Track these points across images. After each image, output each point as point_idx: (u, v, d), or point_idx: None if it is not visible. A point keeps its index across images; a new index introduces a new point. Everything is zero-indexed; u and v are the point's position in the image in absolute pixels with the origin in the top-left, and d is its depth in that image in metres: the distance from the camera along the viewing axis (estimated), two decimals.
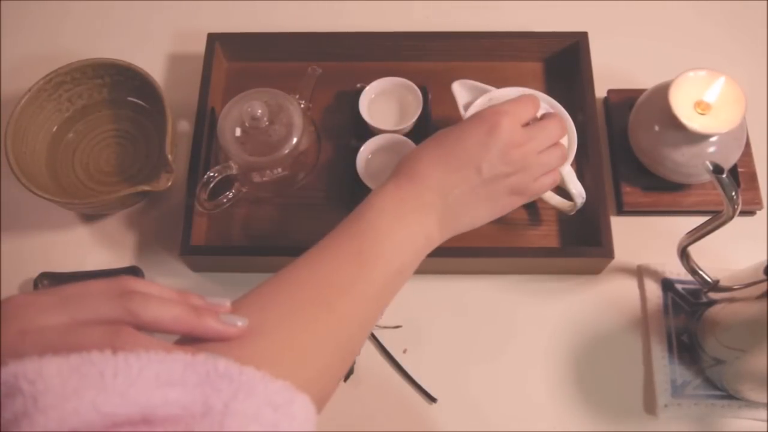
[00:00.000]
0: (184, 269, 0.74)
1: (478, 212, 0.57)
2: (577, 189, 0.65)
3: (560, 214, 0.73)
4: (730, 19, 0.86)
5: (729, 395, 0.65)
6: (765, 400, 0.63)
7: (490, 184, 0.55)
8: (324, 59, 0.79)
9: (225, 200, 0.71)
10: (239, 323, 0.40)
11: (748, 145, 0.74)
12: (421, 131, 0.75)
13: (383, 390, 0.68)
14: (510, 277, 0.72)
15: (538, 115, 0.60)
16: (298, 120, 0.70)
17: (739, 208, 0.55)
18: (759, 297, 0.56)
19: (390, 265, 0.50)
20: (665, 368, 0.66)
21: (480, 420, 0.66)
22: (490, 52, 0.80)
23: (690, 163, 0.69)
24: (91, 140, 0.80)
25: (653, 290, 0.70)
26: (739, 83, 0.67)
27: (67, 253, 0.76)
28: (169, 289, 0.40)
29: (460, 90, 0.69)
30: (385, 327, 0.70)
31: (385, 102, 0.77)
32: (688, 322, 0.68)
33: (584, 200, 0.66)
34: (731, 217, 0.56)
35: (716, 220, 0.58)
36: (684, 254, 0.64)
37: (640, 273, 0.72)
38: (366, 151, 0.73)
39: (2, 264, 0.75)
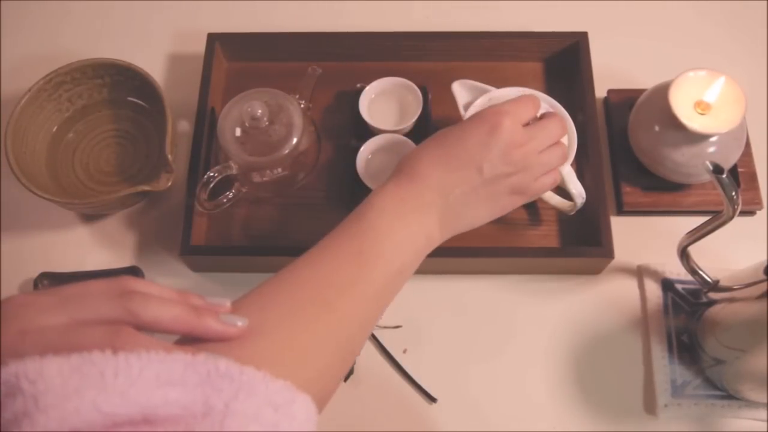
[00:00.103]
0: (184, 269, 0.74)
1: (478, 212, 0.57)
2: (577, 189, 0.65)
3: (560, 214, 0.73)
4: (730, 19, 0.86)
5: (729, 395, 0.65)
6: (765, 400, 0.63)
7: (491, 184, 0.55)
8: (324, 59, 0.79)
9: (225, 200, 0.71)
10: (239, 323, 0.40)
11: (748, 145, 0.74)
12: (421, 131, 0.75)
13: (383, 390, 0.68)
14: (510, 277, 0.72)
15: (538, 114, 0.61)
16: (298, 120, 0.70)
17: (739, 208, 0.55)
18: (759, 297, 0.56)
19: (390, 264, 0.50)
20: (665, 368, 0.66)
21: (480, 420, 0.66)
22: (490, 52, 0.80)
23: (690, 163, 0.69)
24: (91, 140, 0.80)
25: (653, 290, 0.70)
26: (739, 83, 0.67)
27: (67, 253, 0.76)
28: (169, 289, 0.40)
29: (460, 90, 0.69)
30: (385, 327, 0.70)
31: (385, 102, 0.77)
32: (688, 322, 0.68)
33: (584, 200, 0.66)
34: (731, 217, 0.56)
35: (716, 220, 0.58)
36: (684, 254, 0.64)
37: (640, 273, 0.72)
38: (366, 151, 0.73)
39: (2, 264, 0.75)
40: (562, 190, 0.67)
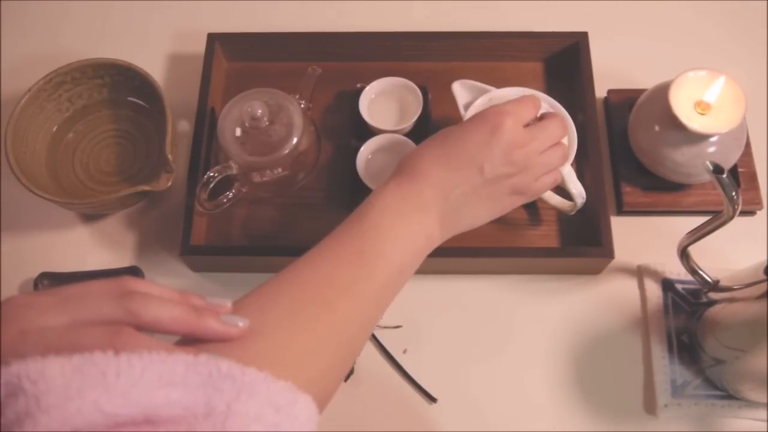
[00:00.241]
0: (184, 269, 0.74)
1: (478, 212, 0.57)
2: (577, 189, 0.65)
3: (560, 214, 0.73)
4: (730, 19, 0.86)
5: (729, 395, 0.65)
6: (765, 400, 0.63)
7: (492, 184, 0.55)
8: (324, 59, 0.79)
9: (225, 200, 0.71)
10: (240, 324, 0.40)
11: (748, 145, 0.74)
12: (421, 131, 0.75)
13: (383, 390, 0.68)
14: (510, 277, 0.72)
15: (538, 114, 0.61)
16: (298, 120, 0.70)
17: (739, 208, 0.55)
18: (759, 297, 0.56)
19: (391, 264, 0.50)
20: (665, 368, 0.66)
21: (480, 420, 0.66)
22: (490, 52, 0.80)
23: (690, 163, 0.69)
24: (91, 140, 0.79)
25: (653, 290, 0.70)
26: (739, 83, 0.67)
27: (67, 253, 0.75)
28: (170, 290, 0.40)
29: (460, 90, 0.69)
30: (385, 327, 0.70)
31: (385, 102, 0.77)
32: (688, 322, 0.68)
33: (584, 200, 0.66)
34: (731, 217, 0.56)
35: (716, 220, 0.58)
36: (684, 254, 0.64)
37: (640, 273, 0.72)
38: (366, 151, 0.73)
39: (2, 264, 0.75)
40: (562, 190, 0.67)
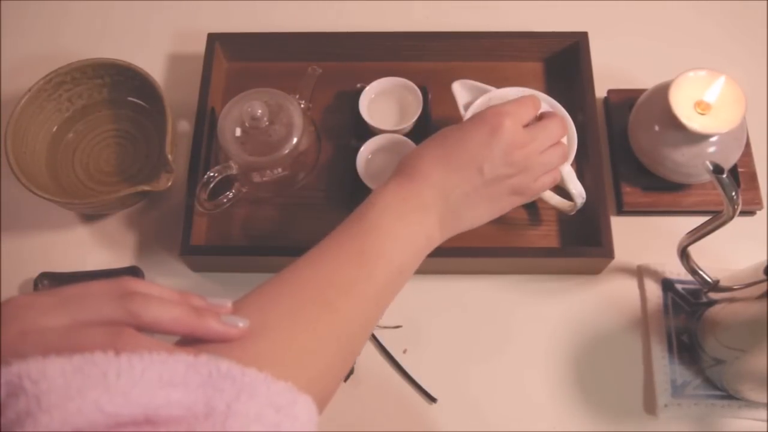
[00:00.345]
0: (184, 269, 0.74)
1: (478, 212, 0.57)
2: (577, 189, 0.65)
3: (560, 214, 0.73)
4: (730, 19, 0.86)
5: (729, 395, 0.65)
6: (765, 400, 0.63)
7: (492, 184, 0.55)
8: (324, 59, 0.79)
9: (225, 200, 0.71)
10: (240, 324, 0.40)
11: (748, 145, 0.74)
12: (421, 131, 0.75)
13: (383, 390, 0.68)
14: (510, 277, 0.72)
15: (537, 114, 0.61)
16: (298, 120, 0.70)
17: (739, 208, 0.55)
18: (759, 297, 0.56)
19: (391, 264, 0.50)
20: (665, 368, 0.66)
21: (480, 420, 0.66)
22: (490, 52, 0.80)
23: (690, 163, 0.69)
24: (91, 140, 0.79)
25: (653, 290, 0.70)
26: (739, 83, 0.67)
27: (67, 253, 0.75)
28: (170, 290, 0.40)
29: (460, 90, 0.69)
30: (385, 327, 0.70)
31: (385, 102, 0.77)
32: (688, 322, 0.68)
33: (584, 200, 0.66)
34: (731, 217, 0.56)
35: (716, 220, 0.58)
36: (684, 254, 0.64)
37: (640, 273, 0.72)
38: (366, 151, 0.73)
39: (2, 264, 0.75)
40: (562, 190, 0.67)
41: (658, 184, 0.73)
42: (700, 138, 0.67)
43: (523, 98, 0.58)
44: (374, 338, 0.70)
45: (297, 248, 0.50)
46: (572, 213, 0.68)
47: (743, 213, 0.73)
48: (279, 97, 0.71)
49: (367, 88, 0.76)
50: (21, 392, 0.32)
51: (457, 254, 0.68)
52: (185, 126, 0.81)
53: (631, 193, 0.74)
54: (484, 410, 0.67)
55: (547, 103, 0.66)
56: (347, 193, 0.75)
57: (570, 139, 0.65)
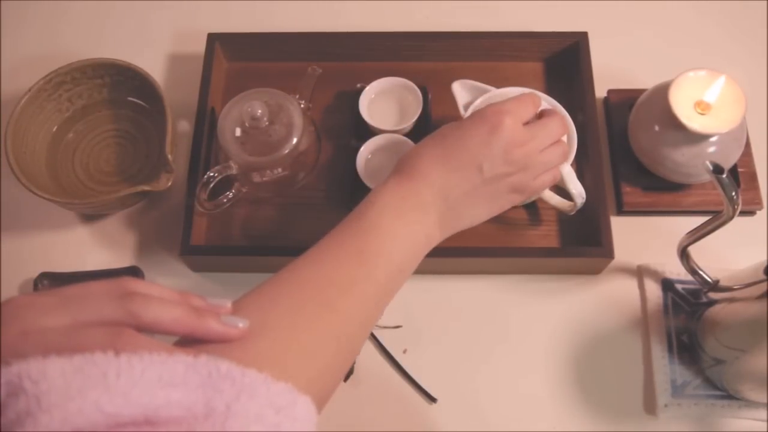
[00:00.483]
0: (184, 269, 0.74)
1: (477, 211, 0.57)
2: (577, 189, 0.65)
3: (560, 214, 0.73)
4: (730, 19, 0.86)
5: (729, 395, 0.65)
6: (765, 400, 0.63)
7: (491, 183, 0.55)
8: (324, 59, 0.79)
9: (225, 200, 0.71)
10: (240, 324, 0.40)
11: (748, 145, 0.74)
12: (421, 131, 0.75)
13: (383, 390, 0.68)
14: (510, 277, 0.72)
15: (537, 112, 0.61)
16: (298, 120, 0.70)
17: (739, 208, 0.55)
18: (759, 297, 0.56)
19: (391, 263, 0.50)
20: (665, 368, 0.66)
21: (480, 420, 0.66)
22: (490, 52, 0.80)
23: (690, 163, 0.69)
24: (91, 140, 0.79)
25: (653, 290, 0.70)
26: (739, 83, 0.67)
27: (67, 253, 0.76)
28: (170, 290, 0.40)
29: (460, 90, 0.69)
30: (385, 327, 0.70)
31: (385, 102, 0.77)
32: (688, 322, 0.68)
33: (584, 200, 0.66)
34: (731, 217, 0.56)
35: (716, 220, 0.58)
36: (684, 254, 0.64)
37: (640, 273, 0.72)
38: (366, 151, 0.73)
39: (2, 264, 0.75)
40: (562, 190, 0.67)
41: (658, 184, 0.73)
42: (700, 138, 0.67)
43: (523, 96, 0.58)
44: (374, 338, 0.70)
45: (297, 248, 0.50)
46: (572, 213, 0.68)
47: (743, 213, 0.73)
48: (279, 97, 0.71)
49: (367, 88, 0.76)
50: (21, 392, 0.32)
51: (456, 254, 0.68)
52: (185, 126, 0.81)
53: (631, 193, 0.74)
54: (484, 410, 0.67)
55: (547, 103, 0.66)
56: (347, 193, 0.75)
57: (570, 139, 0.66)
